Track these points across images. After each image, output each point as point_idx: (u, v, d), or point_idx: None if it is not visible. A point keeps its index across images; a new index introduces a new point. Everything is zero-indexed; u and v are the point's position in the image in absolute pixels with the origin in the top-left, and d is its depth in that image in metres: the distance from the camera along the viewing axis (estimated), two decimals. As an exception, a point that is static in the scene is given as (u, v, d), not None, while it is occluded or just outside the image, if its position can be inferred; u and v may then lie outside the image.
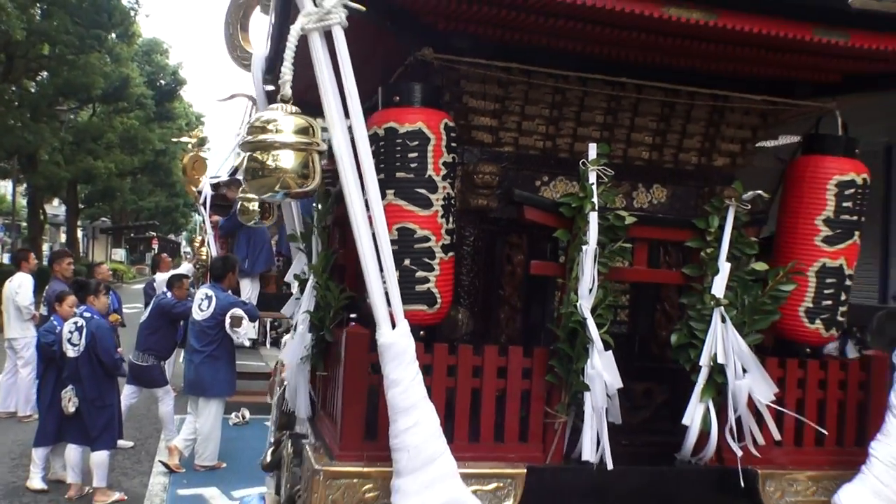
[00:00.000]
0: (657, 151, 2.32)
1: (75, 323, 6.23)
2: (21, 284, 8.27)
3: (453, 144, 1.98)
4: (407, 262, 1.85)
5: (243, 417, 8.89)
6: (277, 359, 5.85)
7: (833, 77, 2.33)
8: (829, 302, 2.18)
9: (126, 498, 6.28)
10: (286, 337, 6.30)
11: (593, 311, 1.93)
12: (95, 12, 15.45)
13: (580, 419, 1.97)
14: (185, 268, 11.72)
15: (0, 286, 9.62)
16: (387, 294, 1.76)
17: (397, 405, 1.73)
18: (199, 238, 12.21)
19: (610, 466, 1.93)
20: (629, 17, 1.77)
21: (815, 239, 2.14)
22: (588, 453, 1.92)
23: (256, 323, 8.27)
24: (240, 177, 10.99)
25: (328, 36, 1.67)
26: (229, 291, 7.73)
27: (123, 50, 19.11)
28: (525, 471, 1.88)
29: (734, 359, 1.98)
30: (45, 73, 16.70)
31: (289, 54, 1.68)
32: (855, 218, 2.18)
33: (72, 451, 6.21)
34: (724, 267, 2.01)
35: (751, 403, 2.04)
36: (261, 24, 3.00)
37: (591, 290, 1.94)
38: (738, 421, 2.05)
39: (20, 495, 6.14)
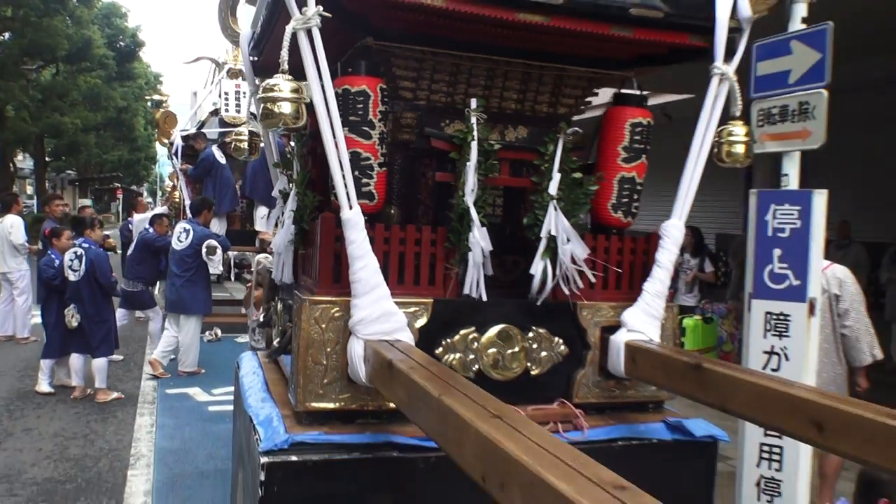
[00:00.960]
0: (520, 104, 2.91)
1: (75, 252, 6.90)
2: (13, 224, 8.84)
3: (386, 99, 2.51)
4: (356, 172, 2.40)
5: (216, 335, 9.72)
6: (257, 265, 6.51)
7: (633, 55, 2.91)
8: (626, 200, 2.83)
9: (123, 396, 7.04)
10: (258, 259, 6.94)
11: (475, 203, 2.53)
12: None
13: (465, 274, 2.58)
14: (159, 210, 12.16)
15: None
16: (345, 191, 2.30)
17: (353, 254, 2.28)
18: (169, 184, 12.56)
19: (484, 299, 2.58)
20: (492, 19, 2.33)
21: (617, 160, 2.79)
22: (469, 289, 2.57)
23: (220, 260, 8.88)
24: (205, 131, 11.43)
25: (309, 31, 2.20)
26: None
27: (84, 13, 19.07)
28: (432, 300, 2.51)
29: (562, 233, 2.62)
30: (6, 35, 16.58)
31: (285, 44, 2.20)
32: (642, 146, 2.82)
33: (76, 359, 6.96)
34: (556, 176, 2.64)
35: (575, 261, 2.65)
36: (246, 13, 3.44)
37: (472, 190, 2.53)
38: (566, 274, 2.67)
39: (31, 398, 6.78)
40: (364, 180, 2.48)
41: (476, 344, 2.56)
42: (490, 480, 1.35)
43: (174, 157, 10.95)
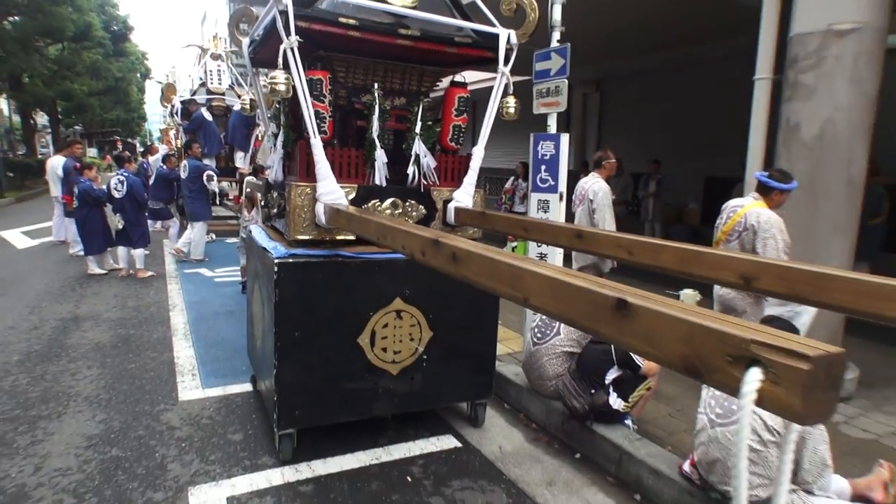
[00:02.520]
0: (400, 85, 3.43)
1: (118, 178, 7.42)
2: (58, 161, 8.88)
3: (330, 83, 3.09)
4: (318, 121, 2.95)
5: (212, 238, 10.28)
6: (246, 185, 7.14)
7: (458, 60, 3.43)
8: (456, 136, 3.48)
9: (155, 274, 7.76)
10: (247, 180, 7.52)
11: (377, 137, 3.16)
12: None
13: (374, 171, 3.24)
14: (163, 149, 12.32)
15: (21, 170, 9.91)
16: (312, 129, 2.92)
17: (317, 160, 2.94)
18: (164, 135, 12.65)
19: (384, 185, 3.26)
20: (382, 42, 3.03)
21: (451, 115, 3.44)
22: (377, 181, 3.24)
23: (216, 183, 9.39)
24: (196, 98, 11.54)
25: (292, 48, 2.77)
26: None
27: (84, 2, 17.82)
28: (357, 185, 3.17)
29: (423, 150, 3.30)
30: (16, 18, 15.57)
31: (280, 55, 2.78)
32: (465, 108, 3.44)
33: (122, 250, 7.60)
34: (419, 123, 3.28)
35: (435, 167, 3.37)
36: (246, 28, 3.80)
37: (375, 131, 3.13)
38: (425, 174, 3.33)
39: (91, 278, 7.39)
40: (322, 125, 3.05)
41: (378, 208, 3.36)
42: (427, 254, 1.75)
43: (175, 116, 11.17)
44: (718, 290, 3.89)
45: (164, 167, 9.41)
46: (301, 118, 3.15)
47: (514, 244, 7.19)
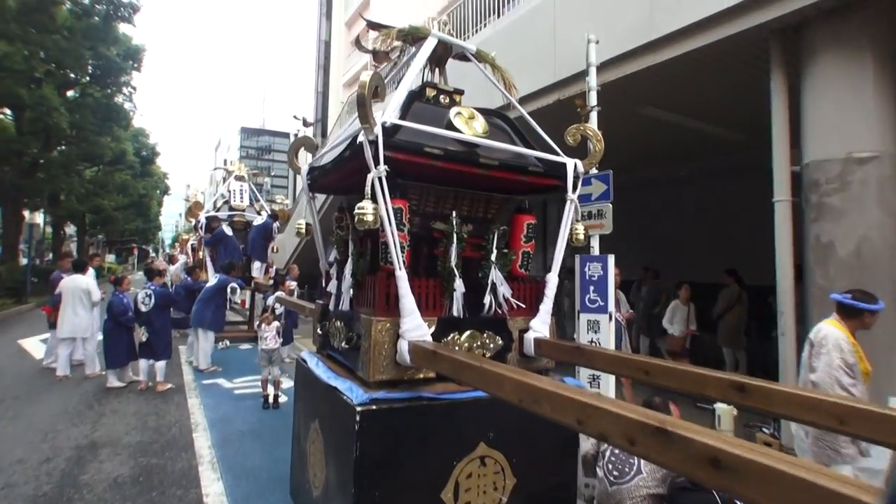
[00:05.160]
0: (469, 212, 2.92)
1: (146, 293, 6.50)
2: (89, 283, 7.70)
3: (409, 212, 2.60)
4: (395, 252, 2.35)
5: (226, 344, 9.24)
6: (267, 304, 6.34)
7: (526, 188, 2.95)
8: (527, 262, 2.93)
9: (174, 386, 6.66)
10: (269, 301, 6.76)
11: (455, 266, 2.62)
12: (108, 111, 14.28)
13: (452, 304, 2.65)
14: (182, 258, 11.50)
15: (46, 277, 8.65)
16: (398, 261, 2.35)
17: (402, 294, 2.37)
18: (190, 243, 11.76)
19: (462, 316, 2.65)
20: (460, 171, 2.60)
21: (521, 242, 2.91)
22: (455, 312, 2.63)
23: (238, 295, 8.64)
24: (219, 214, 10.94)
25: (380, 178, 2.29)
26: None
27: (122, 133, 17.52)
28: (437, 318, 2.59)
29: (500, 278, 2.75)
30: (63, 146, 15.14)
31: (368, 184, 2.26)
32: (534, 235, 2.95)
33: (143, 363, 6.54)
34: (494, 251, 2.77)
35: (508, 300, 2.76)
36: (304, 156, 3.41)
37: (454, 259, 2.62)
38: (500, 302, 2.76)
39: (109, 391, 6.27)
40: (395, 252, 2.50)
41: (458, 341, 2.71)
42: (526, 401, 1.47)
43: (200, 230, 10.53)
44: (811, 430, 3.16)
45: (189, 279, 8.53)
46: (373, 246, 2.67)
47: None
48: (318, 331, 3.33)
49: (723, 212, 8.81)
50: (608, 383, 3.81)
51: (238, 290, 8.23)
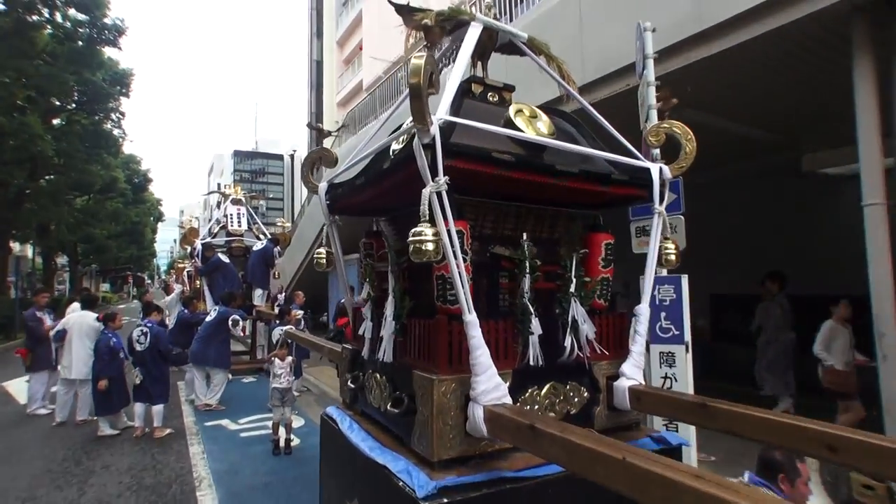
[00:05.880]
0: (537, 231, 2.41)
1: (142, 330, 5.93)
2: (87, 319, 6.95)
3: (471, 237, 2.09)
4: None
5: (229, 377, 8.58)
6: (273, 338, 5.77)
7: (600, 201, 2.48)
8: (606, 291, 2.43)
9: (174, 431, 6.02)
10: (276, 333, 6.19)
11: (531, 302, 2.13)
12: (96, 138, 13.67)
13: (527, 350, 2.14)
14: (177, 287, 10.88)
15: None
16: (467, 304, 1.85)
17: (474, 345, 1.85)
18: (185, 271, 11.13)
19: (541, 363, 2.13)
20: (540, 182, 2.07)
21: (599, 266, 2.42)
22: (531, 360, 2.11)
23: (241, 328, 8.07)
24: (215, 241, 10.42)
25: (439, 193, 1.78)
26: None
27: (112, 160, 16.91)
28: (511, 370, 2.09)
29: (582, 314, 2.26)
30: (51, 176, 14.52)
31: (424, 201, 1.76)
32: (612, 258, 2.46)
33: (139, 407, 5.94)
34: (573, 281, 2.27)
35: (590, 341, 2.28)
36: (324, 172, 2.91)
37: (528, 293, 2.13)
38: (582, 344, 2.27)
39: (100, 440, 5.64)
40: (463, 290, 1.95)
41: (538, 397, 2.19)
42: (636, 490, 1.19)
43: (196, 258, 9.91)
44: None
45: (187, 311, 7.87)
46: (421, 280, 2.14)
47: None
48: (350, 383, 2.75)
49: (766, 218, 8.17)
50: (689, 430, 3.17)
51: (240, 323, 7.57)
